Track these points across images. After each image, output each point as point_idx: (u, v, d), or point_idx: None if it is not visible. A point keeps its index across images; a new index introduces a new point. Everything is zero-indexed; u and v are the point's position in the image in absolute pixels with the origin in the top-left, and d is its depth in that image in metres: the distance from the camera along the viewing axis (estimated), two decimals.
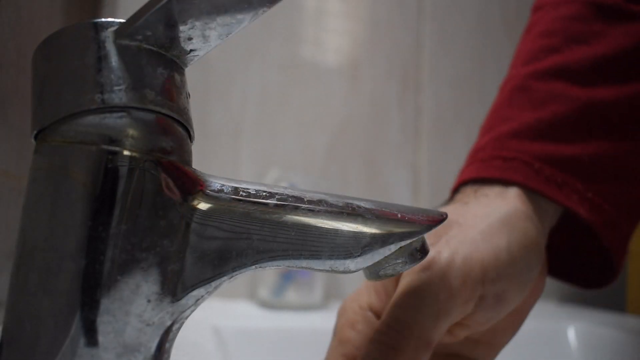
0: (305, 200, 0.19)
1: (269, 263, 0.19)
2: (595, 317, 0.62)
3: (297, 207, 0.19)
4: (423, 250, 0.22)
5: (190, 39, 0.18)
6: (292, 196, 0.19)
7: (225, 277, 0.18)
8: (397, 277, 0.26)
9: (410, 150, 0.76)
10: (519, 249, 0.27)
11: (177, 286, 0.18)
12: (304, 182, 0.63)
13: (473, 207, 0.29)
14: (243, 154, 0.69)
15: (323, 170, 0.72)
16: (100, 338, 0.16)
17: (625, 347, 0.52)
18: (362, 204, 0.21)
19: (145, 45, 0.18)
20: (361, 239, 0.20)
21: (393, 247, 0.21)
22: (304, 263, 0.20)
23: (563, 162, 0.31)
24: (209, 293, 0.18)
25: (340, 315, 0.28)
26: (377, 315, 0.27)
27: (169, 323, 0.18)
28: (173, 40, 0.18)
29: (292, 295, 0.60)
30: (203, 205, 0.18)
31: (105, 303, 0.16)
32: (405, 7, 0.78)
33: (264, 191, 0.19)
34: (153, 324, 0.17)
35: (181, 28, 0.18)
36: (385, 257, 0.21)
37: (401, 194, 0.75)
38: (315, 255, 0.20)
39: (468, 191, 0.31)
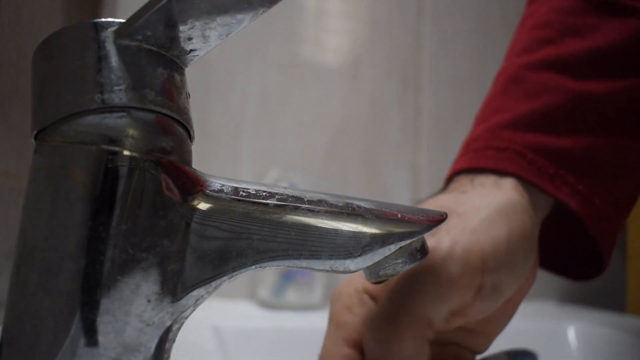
0: (305, 200, 0.19)
1: (269, 263, 0.19)
2: (595, 317, 0.62)
3: (297, 207, 0.19)
4: (423, 250, 0.22)
5: (190, 39, 0.18)
6: (292, 196, 0.19)
7: (225, 277, 0.18)
8: None
9: (410, 150, 0.76)
10: (517, 240, 0.27)
11: (177, 286, 0.18)
12: (304, 182, 0.63)
13: (471, 197, 0.29)
14: (243, 154, 0.69)
15: (323, 170, 0.72)
16: (100, 338, 0.16)
17: (625, 347, 0.52)
18: (362, 204, 0.21)
19: (145, 45, 0.18)
20: (361, 239, 0.20)
21: (393, 247, 0.21)
22: (304, 263, 0.20)
23: (555, 154, 0.31)
24: (209, 293, 0.18)
25: (334, 299, 0.28)
26: (373, 298, 0.27)
27: (169, 323, 0.18)
28: (173, 40, 0.18)
29: (292, 295, 0.60)
30: (203, 205, 0.18)
31: (105, 303, 0.16)
32: (405, 7, 0.78)
33: (264, 191, 0.19)
34: (153, 324, 0.17)
35: (181, 28, 0.18)
36: (385, 257, 0.21)
37: (401, 194, 0.75)
38: (315, 255, 0.20)
39: (463, 180, 0.31)
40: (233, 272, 0.18)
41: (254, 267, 0.19)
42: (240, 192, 0.19)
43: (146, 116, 0.17)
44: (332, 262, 0.20)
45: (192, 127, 0.19)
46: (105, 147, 0.17)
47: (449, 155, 0.77)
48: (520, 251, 0.27)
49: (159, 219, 0.17)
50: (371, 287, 0.28)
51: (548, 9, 0.36)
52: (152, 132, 0.17)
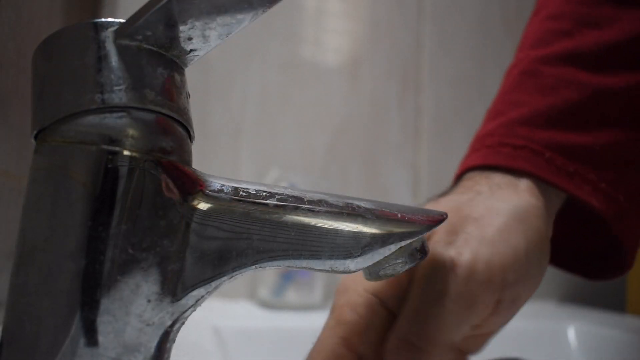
0: (305, 200, 0.19)
1: (269, 263, 0.19)
2: (595, 317, 0.62)
3: (297, 207, 0.19)
4: (423, 251, 0.22)
5: (190, 39, 0.18)
6: (292, 196, 0.19)
7: (225, 277, 0.18)
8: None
9: (410, 150, 0.76)
10: (534, 249, 0.26)
11: (177, 286, 0.18)
12: (304, 182, 0.63)
13: (487, 200, 0.28)
14: (243, 154, 0.69)
15: (323, 170, 0.72)
16: (100, 338, 0.16)
17: (625, 347, 0.52)
18: (362, 204, 0.21)
19: (145, 45, 0.18)
20: (361, 239, 0.20)
21: (393, 247, 0.21)
22: (304, 263, 0.20)
23: (575, 151, 0.30)
24: (209, 293, 0.18)
25: (340, 293, 0.27)
26: (382, 302, 0.27)
27: (169, 323, 0.18)
28: (173, 40, 0.18)
29: (292, 295, 0.60)
30: (203, 205, 0.18)
31: (105, 303, 0.16)
32: (405, 7, 0.78)
33: (264, 191, 0.19)
34: (153, 324, 0.17)
35: (181, 28, 0.18)
36: (385, 257, 0.21)
37: (401, 194, 0.75)
38: (315, 255, 0.20)
39: (477, 178, 0.30)
40: (233, 272, 0.18)
41: (254, 267, 0.19)
42: (240, 192, 0.19)
43: (146, 116, 0.17)
44: (332, 262, 0.20)
45: (192, 127, 0.19)
46: (105, 147, 0.17)
47: (449, 155, 0.77)
48: (536, 260, 0.26)
49: (159, 219, 0.17)
50: (380, 289, 0.27)
51: (562, 0, 0.35)
52: (152, 132, 0.17)
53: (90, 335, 0.16)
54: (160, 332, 0.18)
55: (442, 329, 0.24)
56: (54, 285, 0.16)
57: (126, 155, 0.17)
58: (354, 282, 0.27)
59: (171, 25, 0.17)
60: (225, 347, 0.45)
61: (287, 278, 0.60)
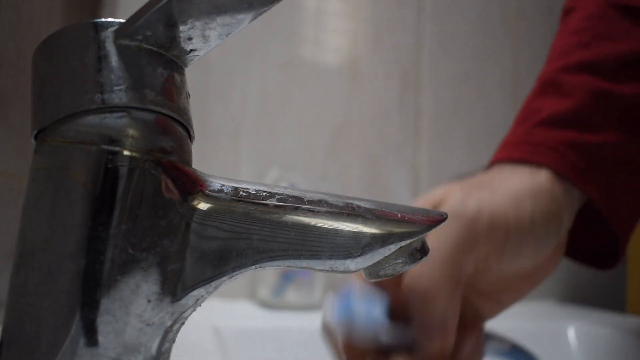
0: (305, 200, 0.19)
1: (269, 263, 0.19)
2: (595, 317, 0.62)
3: (297, 207, 0.19)
4: (423, 250, 0.22)
5: (190, 39, 0.18)
6: (292, 196, 0.19)
7: (225, 277, 0.18)
8: None
9: (410, 150, 0.76)
10: (540, 218, 0.30)
11: (177, 286, 0.18)
12: (304, 182, 0.63)
13: (506, 177, 0.32)
14: (243, 154, 0.69)
15: (323, 170, 0.72)
16: (100, 338, 0.16)
17: (625, 347, 0.52)
18: (362, 204, 0.20)
19: (145, 45, 0.18)
20: (361, 239, 0.20)
21: (393, 247, 0.21)
22: (304, 263, 0.20)
23: (586, 149, 0.33)
24: (209, 293, 0.18)
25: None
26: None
27: (169, 323, 0.18)
28: (173, 40, 0.18)
29: (292, 295, 0.60)
30: (203, 205, 0.18)
31: (105, 303, 0.16)
32: (405, 7, 0.78)
33: (264, 191, 0.19)
34: (153, 324, 0.17)
35: (181, 28, 0.18)
36: (385, 257, 0.21)
37: (401, 194, 0.75)
38: (315, 255, 0.20)
39: (501, 167, 0.34)
40: (233, 272, 0.18)
41: (254, 267, 0.19)
42: (240, 192, 0.19)
43: (146, 116, 0.17)
44: (332, 262, 0.20)
45: (192, 127, 0.19)
46: (105, 147, 0.17)
47: (449, 155, 0.77)
48: (541, 228, 0.30)
49: (159, 219, 0.17)
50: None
51: (582, 17, 0.38)
52: (152, 132, 0.17)
53: (90, 335, 0.16)
54: (160, 332, 0.18)
55: (452, 249, 0.28)
56: (54, 285, 0.16)
57: (126, 155, 0.17)
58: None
59: (171, 25, 0.17)
60: (225, 347, 0.45)
61: (287, 278, 0.60)
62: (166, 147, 0.17)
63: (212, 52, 0.67)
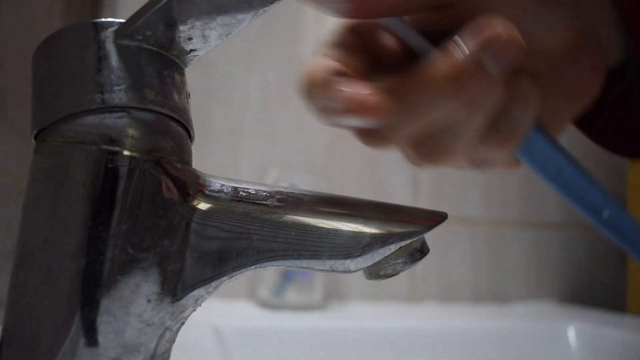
0: (305, 200, 0.19)
1: (269, 263, 0.19)
2: (595, 317, 0.62)
3: (297, 207, 0.19)
4: (423, 250, 0.22)
5: (190, 39, 0.18)
6: (292, 196, 0.19)
7: (225, 277, 0.18)
8: None
9: None
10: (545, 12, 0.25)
11: (177, 286, 0.18)
12: (304, 182, 0.63)
13: None
14: (243, 154, 0.69)
15: (323, 170, 0.72)
16: (100, 338, 0.16)
17: (625, 347, 0.52)
18: (362, 204, 0.21)
19: (145, 45, 0.18)
20: (361, 239, 0.20)
21: (393, 247, 0.21)
22: (304, 263, 0.20)
23: None
24: (209, 293, 0.18)
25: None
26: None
27: (169, 323, 0.18)
28: (173, 40, 0.18)
29: (292, 295, 0.60)
30: (203, 205, 0.18)
31: (105, 303, 0.16)
32: None
33: (264, 191, 0.19)
34: (153, 324, 0.17)
35: (181, 28, 0.18)
36: (385, 257, 0.21)
37: (401, 194, 0.75)
38: (315, 255, 0.20)
39: None
40: (233, 272, 0.18)
41: (254, 267, 0.19)
42: (240, 192, 0.19)
43: (146, 116, 0.17)
44: (332, 262, 0.20)
45: (192, 127, 0.19)
46: (105, 147, 0.17)
47: None
48: (544, 24, 0.25)
49: (159, 219, 0.17)
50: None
51: None
52: (152, 132, 0.17)
53: (90, 335, 0.16)
54: (160, 332, 0.18)
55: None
56: (54, 285, 0.16)
57: (126, 155, 0.17)
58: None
59: (171, 25, 0.17)
60: (225, 347, 0.45)
61: (287, 278, 0.60)
62: (166, 147, 0.17)
63: (212, 52, 0.66)
